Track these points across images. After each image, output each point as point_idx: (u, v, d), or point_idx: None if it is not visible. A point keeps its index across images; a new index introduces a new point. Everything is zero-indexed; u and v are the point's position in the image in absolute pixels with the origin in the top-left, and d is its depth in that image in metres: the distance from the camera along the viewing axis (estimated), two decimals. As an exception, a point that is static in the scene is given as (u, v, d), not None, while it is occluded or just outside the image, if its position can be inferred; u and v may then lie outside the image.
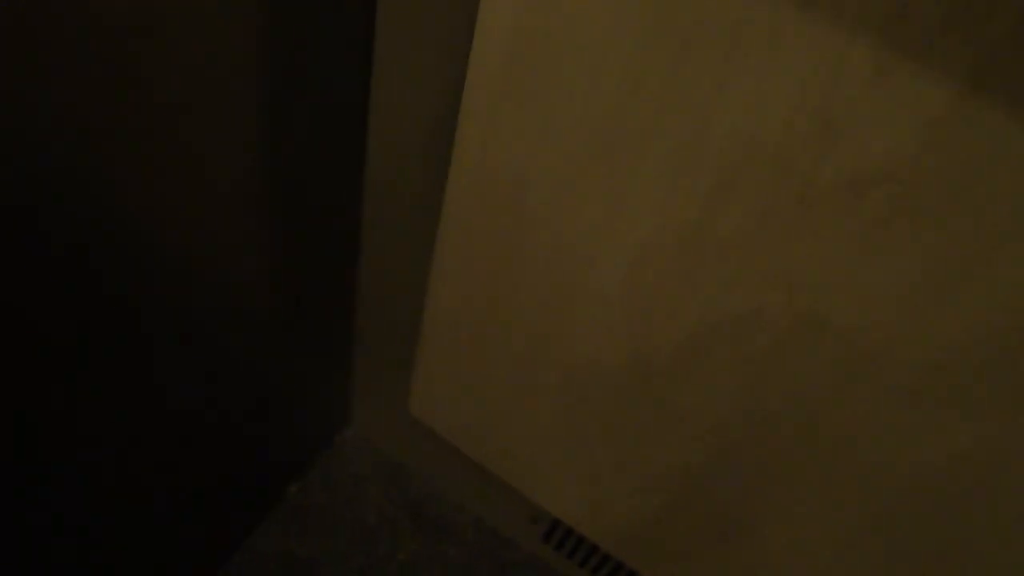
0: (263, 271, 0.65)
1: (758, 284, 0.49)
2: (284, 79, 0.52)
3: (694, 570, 0.72)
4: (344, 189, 0.70)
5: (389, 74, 0.61)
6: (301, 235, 0.67)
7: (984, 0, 0.34)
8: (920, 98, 0.38)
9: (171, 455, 0.68)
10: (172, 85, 0.43)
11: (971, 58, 0.36)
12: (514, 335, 0.66)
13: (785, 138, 0.43)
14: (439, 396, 0.79)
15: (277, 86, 0.52)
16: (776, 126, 0.43)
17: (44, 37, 0.34)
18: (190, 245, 0.54)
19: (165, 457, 0.67)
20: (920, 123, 0.39)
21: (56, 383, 0.49)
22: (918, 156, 0.40)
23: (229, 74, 0.48)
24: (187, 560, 0.85)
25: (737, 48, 0.41)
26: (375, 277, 0.81)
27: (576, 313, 0.61)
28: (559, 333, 0.63)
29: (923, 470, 0.51)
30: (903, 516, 0.55)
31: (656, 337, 0.57)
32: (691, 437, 0.61)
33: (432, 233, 0.67)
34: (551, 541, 0.95)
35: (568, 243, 0.57)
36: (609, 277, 0.56)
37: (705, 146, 0.46)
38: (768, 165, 0.44)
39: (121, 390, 0.56)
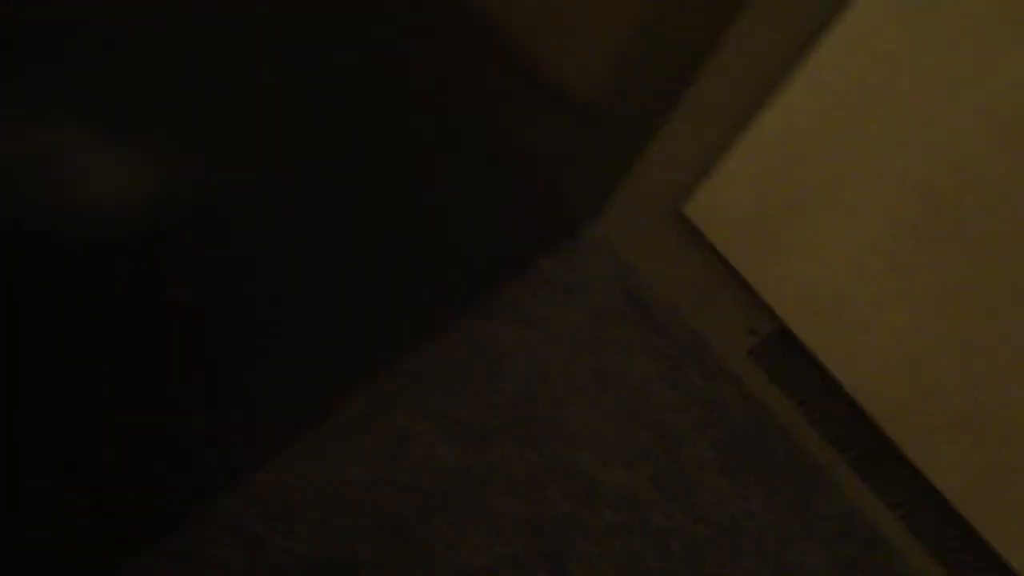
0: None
1: None
2: None
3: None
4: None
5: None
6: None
7: None
8: None
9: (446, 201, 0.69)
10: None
11: None
12: (825, 176, 0.71)
13: None
14: (726, 206, 0.84)
15: None
16: None
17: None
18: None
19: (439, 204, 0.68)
20: None
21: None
22: None
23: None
24: (426, 310, 0.93)
25: None
26: (713, 80, 0.81)
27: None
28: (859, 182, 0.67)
29: None
30: None
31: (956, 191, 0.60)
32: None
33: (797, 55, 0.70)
34: (757, 356, 1.03)
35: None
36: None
37: None
38: None
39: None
